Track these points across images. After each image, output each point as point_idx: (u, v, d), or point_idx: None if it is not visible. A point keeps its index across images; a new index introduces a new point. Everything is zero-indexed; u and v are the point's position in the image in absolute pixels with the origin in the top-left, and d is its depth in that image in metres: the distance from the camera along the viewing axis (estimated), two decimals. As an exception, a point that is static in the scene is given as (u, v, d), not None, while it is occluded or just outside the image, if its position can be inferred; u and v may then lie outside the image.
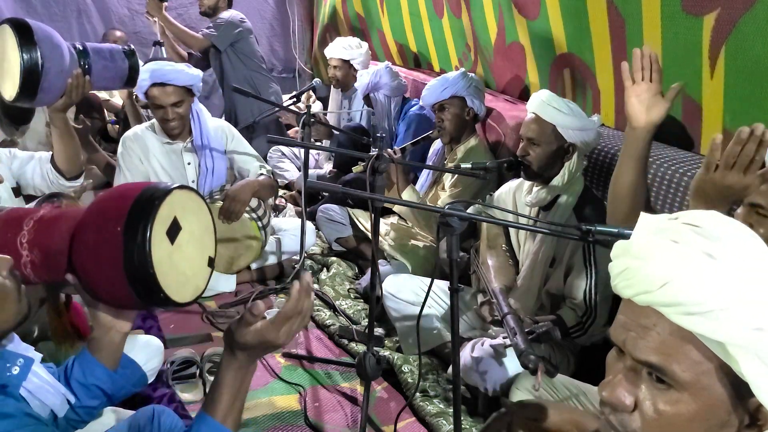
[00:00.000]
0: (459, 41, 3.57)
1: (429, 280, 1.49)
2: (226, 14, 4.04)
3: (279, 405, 2.02)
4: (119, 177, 2.65)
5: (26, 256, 1.11)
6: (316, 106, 4.72)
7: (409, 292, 2.22)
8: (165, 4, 3.94)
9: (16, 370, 1.02)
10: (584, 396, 1.56)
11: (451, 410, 1.82)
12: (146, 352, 1.68)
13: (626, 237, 1.16)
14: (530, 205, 1.99)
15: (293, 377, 2.17)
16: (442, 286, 2.11)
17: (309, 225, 2.81)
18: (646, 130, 1.38)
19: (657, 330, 0.67)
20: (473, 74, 2.71)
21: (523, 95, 3.05)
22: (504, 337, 1.70)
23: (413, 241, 2.74)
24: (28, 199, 2.08)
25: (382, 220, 2.78)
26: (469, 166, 2.03)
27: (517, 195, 2.11)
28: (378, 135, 1.92)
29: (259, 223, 2.54)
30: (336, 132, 3.78)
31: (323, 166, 4.08)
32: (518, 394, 1.66)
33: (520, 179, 2.07)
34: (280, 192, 3.73)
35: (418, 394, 2.00)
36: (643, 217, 0.73)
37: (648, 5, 2.03)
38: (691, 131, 2.08)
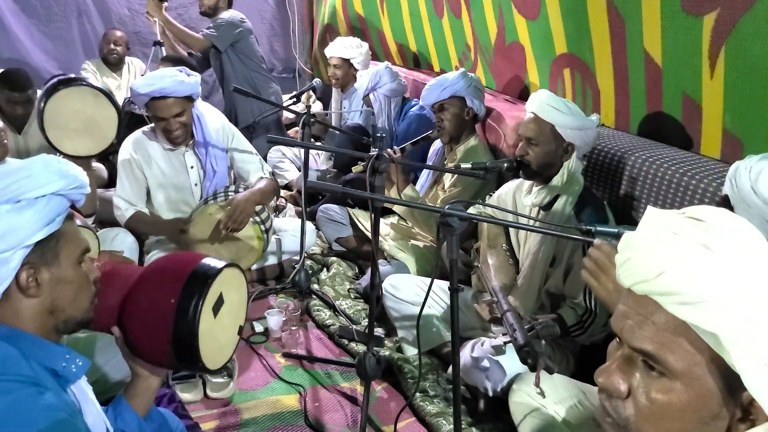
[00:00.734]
0: (459, 41, 3.57)
1: (429, 280, 1.50)
2: (226, 14, 4.04)
3: (279, 405, 2.02)
4: (119, 185, 2.63)
5: None
6: (316, 106, 4.73)
7: (409, 292, 2.22)
8: (165, 4, 3.94)
9: (74, 368, 1.06)
10: (584, 396, 1.56)
11: (451, 410, 1.82)
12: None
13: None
14: (530, 205, 1.99)
15: (293, 377, 2.17)
16: (442, 286, 2.11)
17: (309, 225, 2.81)
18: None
19: (653, 319, 0.69)
20: (473, 74, 2.71)
21: (523, 95, 3.05)
22: (504, 335, 1.70)
23: (413, 241, 2.74)
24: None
25: (382, 220, 2.78)
26: (469, 166, 2.03)
27: (517, 195, 2.11)
28: (378, 135, 1.92)
29: (262, 226, 2.54)
30: (331, 129, 3.78)
31: (322, 166, 4.08)
32: (518, 394, 1.66)
33: (520, 179, 2.07)
34: (281, 192, 3.73)
35: (418, 394, 2.00)
36: (650, 210, 0.74)
37: (648, 5, 2.03)
38: (691, 131, 2.08)
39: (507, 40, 3.01)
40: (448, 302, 1.57)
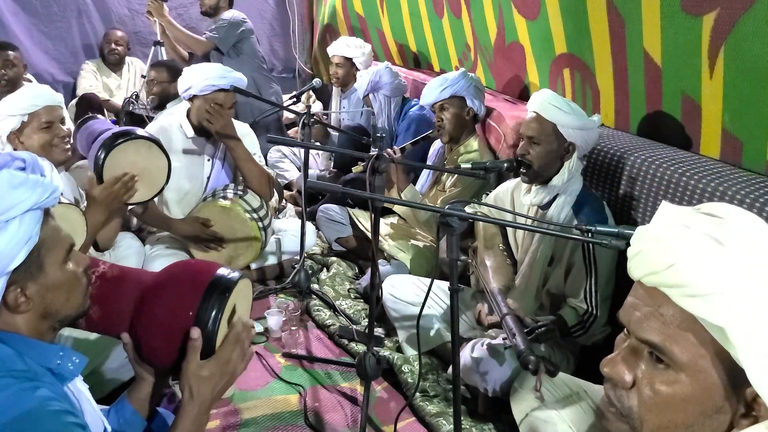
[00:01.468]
0: (459, 41, 3.57)
1: (429, 280, 1.50)
2: (227, 14, 4.03)
3: (279, 405, 2.02)
4: None
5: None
6: (316, 106, 4.73)
7: (409, 292, 2.22)
8: (166, 8, 3.94)
9: (71, 366, 1.05)
10: (585, 394, 1.56)
11: (451, 410, 1.83)
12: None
13: (626, 237, 1.17)
14: (529, 205, 1.99)
15: (293, 377, 2.17)
16: (442, 286, 2.11)
17: (309, 225, 2.81)
18: None
19: (661, 311, 0.69)
20: (473, 74, 2.71)
21: (523, 95, 3.05)
22: (504, 338, 1.70)
23: (413, 241, 2.74)
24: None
25: (382, 220, 2.78)
26: (469, 166, 2.03)
27: (515, 194, 2.11)
28: (378, 135, 1.92)
29: (260, 223, 2.54)
30: (333, 132, 3.78)
31: (322, 167, 4.08)
32: (519, 394, 1.66)
33: (518, 178, 2.07)
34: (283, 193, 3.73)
35: (418, 394, 2.00)
36: (665, 205, 0.75)
37: (647, 5, 2.03)
38: (691, 131, 2.08)
39: (507, 40, 3.01)
40: (448, 302, 1.57)
